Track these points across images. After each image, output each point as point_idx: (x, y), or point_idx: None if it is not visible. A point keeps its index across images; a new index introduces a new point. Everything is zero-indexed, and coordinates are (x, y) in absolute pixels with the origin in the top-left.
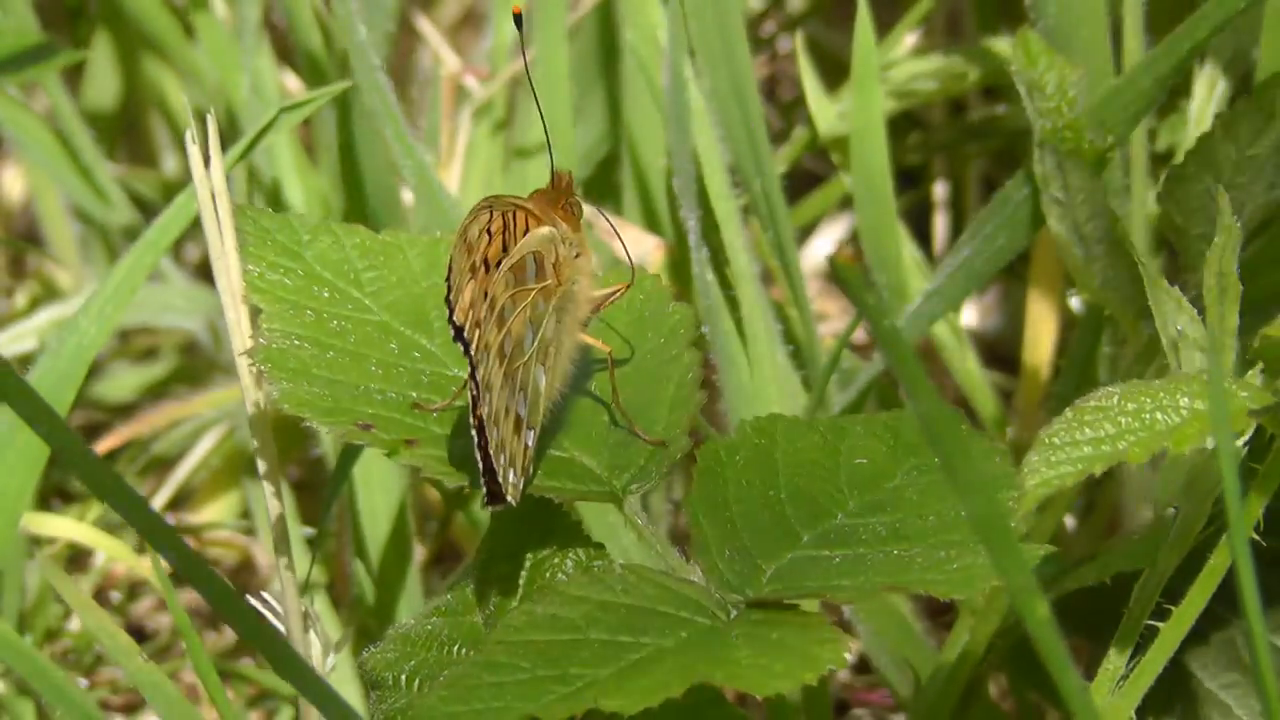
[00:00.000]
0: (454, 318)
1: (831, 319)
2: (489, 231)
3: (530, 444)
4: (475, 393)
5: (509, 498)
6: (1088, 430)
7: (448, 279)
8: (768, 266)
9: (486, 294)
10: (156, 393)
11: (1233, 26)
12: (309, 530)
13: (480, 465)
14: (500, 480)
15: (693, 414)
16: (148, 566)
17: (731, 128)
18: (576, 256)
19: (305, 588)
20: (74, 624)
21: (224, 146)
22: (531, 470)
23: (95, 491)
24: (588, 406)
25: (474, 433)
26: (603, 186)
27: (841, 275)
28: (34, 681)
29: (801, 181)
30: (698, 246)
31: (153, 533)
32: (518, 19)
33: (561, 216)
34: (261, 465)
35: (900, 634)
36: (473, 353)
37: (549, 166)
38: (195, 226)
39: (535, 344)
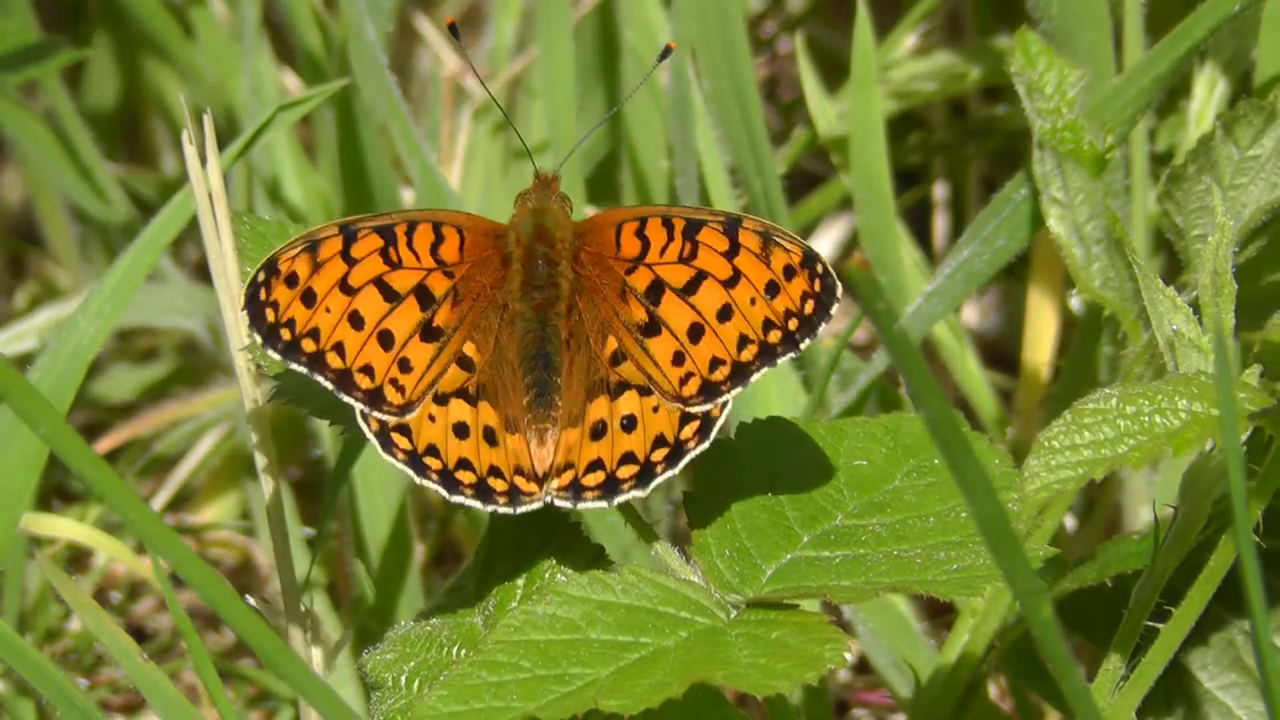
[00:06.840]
0: None
1: (831, 319)
2: None
3: None
4: None
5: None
6: (1087, 434)
7: None
8: None
9: None
10: (156, 393)
11: (1232, 27)
12: (309, 530)
13: None
14: None
15: None
16: (148, 566)
17: (731, 128)
18: None
19: (305, 588)
20: (74, 624)
21: (223, 146)
22: None
23: (95, 493)
24: None
25: None
26: (603, 186)
27: (855, 283)
28: (34, 681)
29: (801, 181)
30: None
31: (150, 533)
32: (453, 28)
33: None
34: (261, 463)
35: (900, 634)
36: None
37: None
38: (194, 226)
39: None
